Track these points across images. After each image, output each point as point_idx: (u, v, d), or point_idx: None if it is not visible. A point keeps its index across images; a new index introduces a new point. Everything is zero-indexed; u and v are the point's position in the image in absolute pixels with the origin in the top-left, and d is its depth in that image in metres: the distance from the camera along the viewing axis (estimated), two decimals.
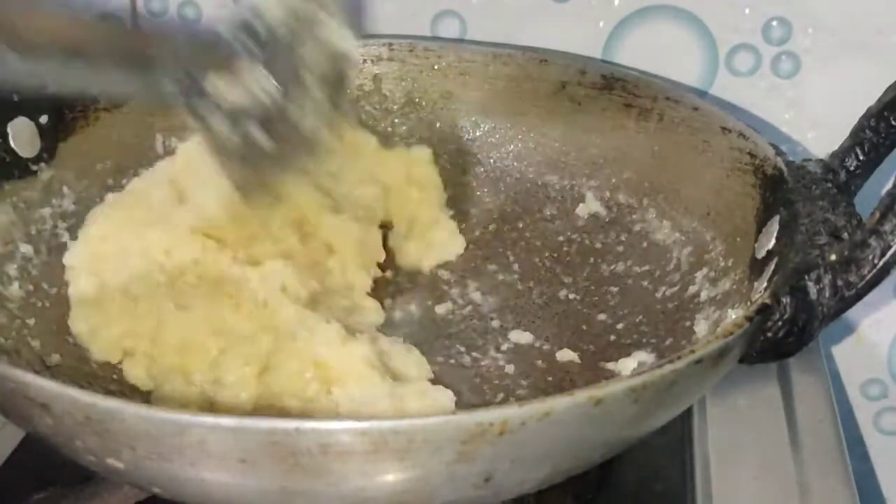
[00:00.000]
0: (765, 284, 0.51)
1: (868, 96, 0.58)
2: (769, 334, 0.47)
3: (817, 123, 0.70)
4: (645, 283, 0.62)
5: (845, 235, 0.52)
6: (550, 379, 0.58)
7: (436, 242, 0.67)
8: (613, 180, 0.68)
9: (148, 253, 0.58)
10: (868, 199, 0.57)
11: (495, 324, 0.62)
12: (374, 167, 0.68)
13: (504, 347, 0.60)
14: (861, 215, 0.54)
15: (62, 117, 0.63)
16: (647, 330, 0.59)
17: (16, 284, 0.58)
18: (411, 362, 0.56)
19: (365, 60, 0.72)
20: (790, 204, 0.53)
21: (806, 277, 0.48)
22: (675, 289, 0.60)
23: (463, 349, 0.60)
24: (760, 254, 0.54)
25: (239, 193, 0.52)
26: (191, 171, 0.63)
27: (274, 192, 0.54)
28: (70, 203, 0.63)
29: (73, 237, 0.61)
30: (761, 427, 0.59)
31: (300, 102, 0.50)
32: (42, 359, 0.54)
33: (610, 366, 0.58)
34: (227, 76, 0.48)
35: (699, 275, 0.59)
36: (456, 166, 0.72)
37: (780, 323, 0.47)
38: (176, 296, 0.56)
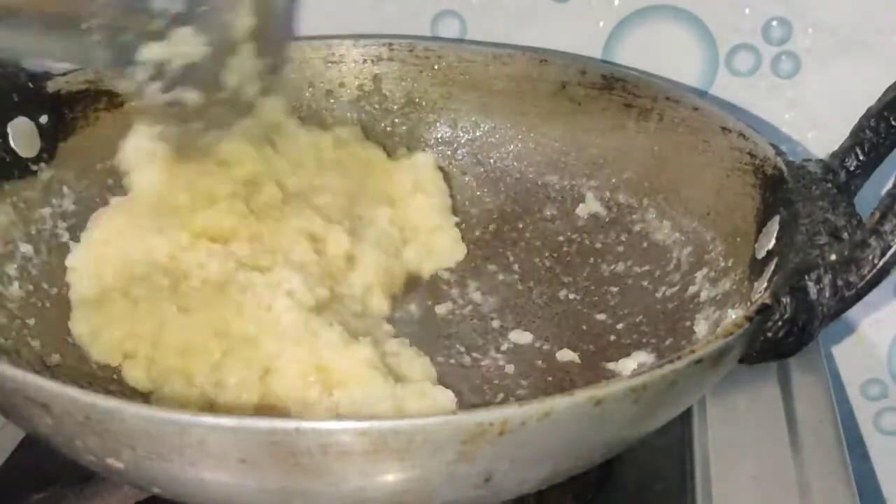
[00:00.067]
0: (765, 284, 0.51)
1: (868, 96, 0.58)
2: (769, 334, 0.47)
3: (817, 123, 0.70)
4: (645, 283, 0.63)
5: (845, 235, 0.52)
6: (550, 379, 0.58)
7: (437, 248, 0.67)
8: (613, 180, 0.68)
9: (151, 256, 0.58)
10: (868, 199, 0.57)
11: (495, 324, 0.62)
12: (385, 184, 0.68)
13: (504, 347, 0.60)
14: (861, 215, 0.54)
15: (62, 117, 0.63)
16: (647, 330, 0.59)
17: (16, 284, 0.58)
18: (416, 365, 0.56)
19: (365, 60, 0.72)
20: (790, 204, 0.53)
21: (806, 277, 0.48)
22: (675, 289, 0.60)
23: (463, 349, 0.60)
24: (760, 254, 0.54)
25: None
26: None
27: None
28: (70, 203, 0.63)
29: (73, 237, 0.61)
30: (761, 427, 0.59)
31: (229, 61, 0.50)
32: (42, 359, 0.54)
33: (610, 366, 0.58)
34: (157, 37, 0.48)
35: (699, 275, 0.59)
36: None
37: (780, 323, 0.47)
38: (178, 298, 0.56)
